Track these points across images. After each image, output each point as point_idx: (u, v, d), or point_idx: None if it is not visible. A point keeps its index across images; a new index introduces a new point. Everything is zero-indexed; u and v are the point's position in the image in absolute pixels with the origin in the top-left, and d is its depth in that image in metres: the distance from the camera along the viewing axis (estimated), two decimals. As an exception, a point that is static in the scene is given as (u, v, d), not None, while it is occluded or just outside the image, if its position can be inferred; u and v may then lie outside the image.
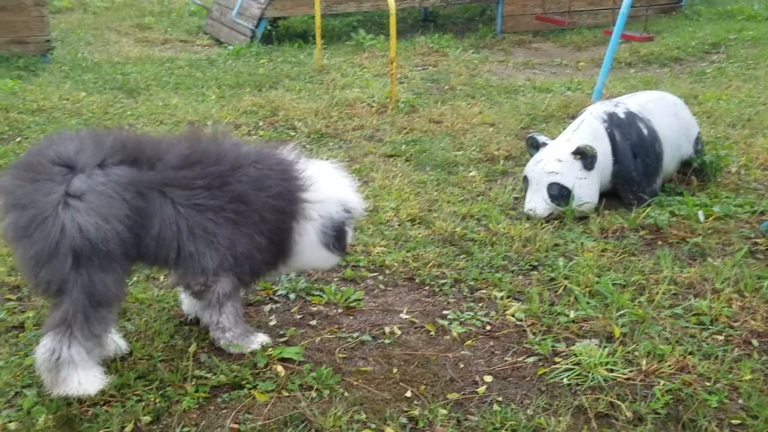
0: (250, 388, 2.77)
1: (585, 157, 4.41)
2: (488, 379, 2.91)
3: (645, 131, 4.61)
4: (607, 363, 2.95)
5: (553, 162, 4.43)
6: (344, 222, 3.14)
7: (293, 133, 6.41)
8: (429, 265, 3.80)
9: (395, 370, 2.92)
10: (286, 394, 2.75)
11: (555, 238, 4.14)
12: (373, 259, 3.88)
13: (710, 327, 3.24)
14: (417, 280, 3.68)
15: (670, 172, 4.88)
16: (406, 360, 3.00)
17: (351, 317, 3.34)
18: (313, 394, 2.75)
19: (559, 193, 4.38)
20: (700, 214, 4.34)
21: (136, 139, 2.90)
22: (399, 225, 4.38)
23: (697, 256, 3.95)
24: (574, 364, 2.95)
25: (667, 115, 4.82)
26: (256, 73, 8.76)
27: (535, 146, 4.62)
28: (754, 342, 3.13)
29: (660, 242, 4.17)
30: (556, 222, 4.39)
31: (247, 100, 7.37)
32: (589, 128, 4.58)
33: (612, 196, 4.69)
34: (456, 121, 6.73)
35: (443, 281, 3.67)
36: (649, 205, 4.55)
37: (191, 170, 2.84)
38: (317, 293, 3.51)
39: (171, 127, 6.47)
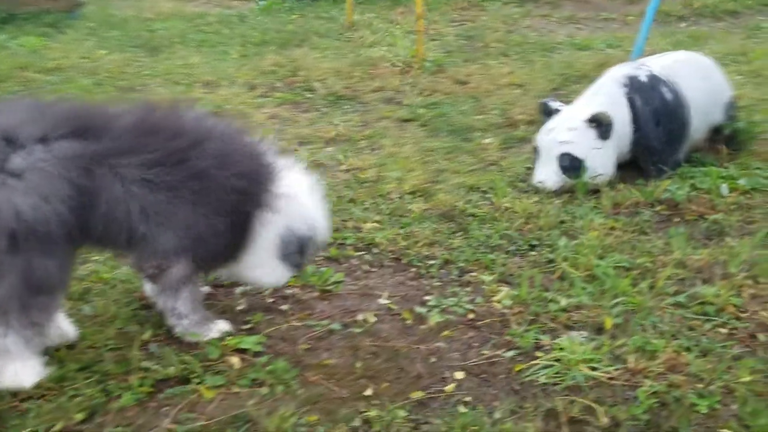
0: (198, 383, 2.55)
1: (600, 125, 4.10)
2: (459, 375, 2.66)
3: (669, 96, 4.26)
4: (591, 359, 2.68)
5: (565, 131, 4.13)
6: (306, 239, 2.88)
7: (309, 95, 6.17)
8: (420, 244, 3.56)
9: (359, 364, 2.69)
10: (236, 389, 2.55)
11: (562, 214, 3.85)
12: (363, 236, 3.64)
13: (714, 318, 2.94)
14: (404, 261, 3.44)
15: (698, 140, 4.54)
16: (374, 352, 2.78)
17: (326, 302, 3.12)
18: (265, 390, 2.54)
19: (571, 165, 4.08)
20: (724, 188, 4.01)
21: (83, 109, 2.69)
22: (399, 198, 4.11)
23: (715, 236, 3.64)
24: (554, 360, 2.68)
25: (696, 78, 4.46)
26: (284, 30, 8.51)
27: (547, 113, 4.32)
28: (761, 337, 2.83)
29: (677, 219, 3.84)
30: (566, 196, 4.07)
31: (268, 59, 7.14)
32: (606, 93, 4.25)
33: (632, 166, 4.35)
34: (482, 82, 6.42)
35: (432, 262, 3.42)
36: (670, 178, 4.20)
37: (143, 143, 2.61)
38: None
39: (186, 87, 6.27)
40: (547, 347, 2.81)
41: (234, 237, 2.75)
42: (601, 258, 3.42)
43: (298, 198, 2.88)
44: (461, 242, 3.59)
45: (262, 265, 2.89)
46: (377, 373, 2.65)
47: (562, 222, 3.78)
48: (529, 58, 7.45)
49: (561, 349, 2.75)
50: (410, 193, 4.20)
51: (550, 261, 3.43)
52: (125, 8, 10.19)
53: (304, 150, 4.88)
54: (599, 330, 2.90)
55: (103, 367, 2.60)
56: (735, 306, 3.03)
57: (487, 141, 4.99)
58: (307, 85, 6.48)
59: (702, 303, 3.06)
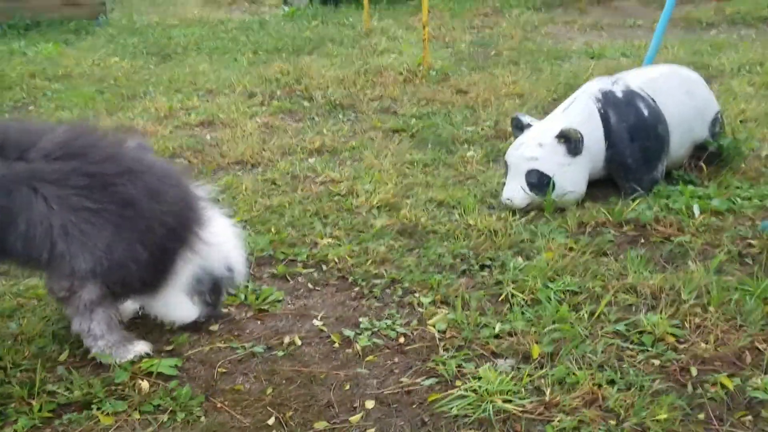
0: (98, 409, 2.52)
1: (569, 141, 3.97)
2: (370, 404, 2.60)
3: (645, 112, 4.14)
4: (508, 391, 2.59)
5: (533, 146, 4.03)
6: (223, 279, 2.95)
7: (307, 104, 6.15)
8: (370, 262, 3.50)
9: (270, 391, 2.65)
10: (137, 416, 2.51)
11: (524, 233, 3.74)
12: (317, 252, 3.59)
13: (649, 349, 2.84)
14: (350, 279, 3.39)
15: (681, 157, 4.40)
16: (289, 378, 2.73)
17: (259, 322, 3.08)
18: (165, 417, 2.49)
19: (539, 181, 3.98)
20: (695, 208, 3.87)
21: (8, 127, 2.69)
22: (366, 212, 4.06)
23: (677, 259, 3.50)
24: (470, 391, 2.60)
25: (678, 92, 4.32)
26: (300, 37, 8.50)
27: (519, 127, 4.22)
28: (693, 370, 2.72)
29: (642, 240, 3.72)
30: (533, 213, 3.98)
31: (275, 67, 7.15)
32: (579, 108, 4.15)
33: (610, 183, 4.23)
34: (483, 91, 6.33)
35: (378, 281, 3.36)
36: (645, 196, 4.08)
37: (70, 165, 2.61)
38: (236, 292, 3.23)
39: (184, 96, 6.28)
40: (469, 376, 2.72)
41: (153, 269, 2.75)
42: (551, 281, 3.32)
43: (220, 242, 2.93)
44: (413, 260, 3.52)
45: (173, 300, 2.92)
46: (286, 400, 2.60)
47: (521, 241, 3.68)
48: (539, 66, 7.32)
49: (480, 378, 2.66)
50: (378, 208, 4.13)
51: (498, 282, 3.34)
52: (151, 14, 10.29)
53: (284, 161, 4.83)
54: (527, 359, 2.80)
55: (8, 389, 2.58)
56: (674, 336, 2.92)
57: (470, 154, 4.91)
58: (307, 93, 6.46)
59: (641, 332, 2.95)
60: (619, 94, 4.15)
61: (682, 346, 2.86)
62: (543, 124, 4.14)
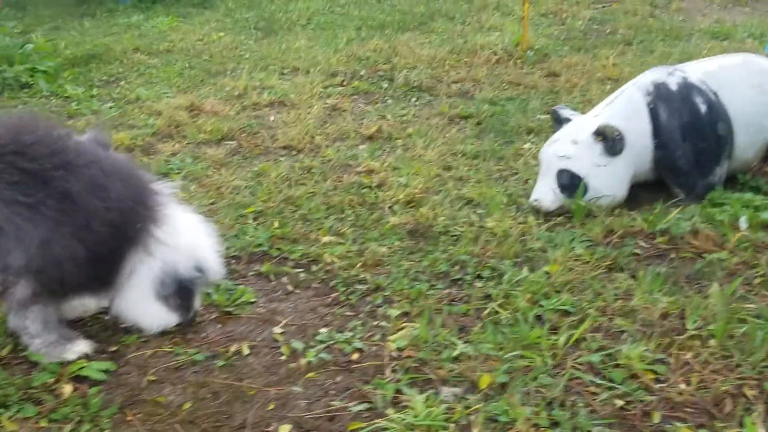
0: (11, 412, 2.47)
1: (606, 139, 3.61)
2: (285, 429, 2.43)
3: (703, 108, 3.71)
4: (432, 426, 2.35)
5: (567, 144, 3.68)
6: (192, 281, 2.80)
7: (386, 85, 5.93)
8: (361, 265, 3.29)
9: (188, 405, 2.53)
10: (43, 424, 2.44)
11: (539, 240, 3.43)
12: (314, 250, 3.42)
13: (618, 386, 2.50)
14: (332, 284, 3.20)
15: (749, 160, 3.92)
16: (216, 392, 2.59)
17: (219, 326, 2.96)
18: (68, 428, 2.42)
19: (571, 183, 3.65)
20: (742, 221, 3.42)
21: None
22: (389, 208, 3.85)
23: (704, 280, 3.11)
24: (392, 423, 2.38)
25: (748, 86, 3.85)
26: (411, 12, 8.28)
27: (558, 121, 3.87)
28: (656, 416, 2.38)
29: (673, 255, 3.33)
30: (560, 218, 3.65)
31: (370, 45, 6.98)
32: (625, 102, 3.76)
33: (664, 186, 3.84)
34: (576, 75, 5.93)
35: (360, 288, 3.16)
36: (696, 203, 3.66)
37: (5, 158, 2.58)
38: (211, 290, 3.13)
39: (266, 74, 6.22)
40: (404, 404, 2.49)
41: (95, 268, 2.66)
42: (546, 297, 3.02)
43: (184, 241, 2.80)
44: (409, 266, 3.29)
45: (142, 306, 2.82)
46: (200, 418, 2.47)
47: (532, 249, 3.37)
48: (651, 47, 6.79)
49: (410, 409, 2.43)
50: (405, 203, 3.90)
51: (486, 296, 3.07)
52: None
53: (333, 148, 4.67)
54: (477, 389, 2.54)
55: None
56: (654, 373, 2.57)
57: (526, 146, 4.58)
58: (390, 74, 6.24)
59: (617, 365, 2.61)
60: (674, 87, 3.73)
61: (657, 386, 2.52)
62: (582, 118, 3.77)
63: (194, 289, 2.86)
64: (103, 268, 2.70)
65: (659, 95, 3.70)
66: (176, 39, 7.58)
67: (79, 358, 2.74)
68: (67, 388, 2.59)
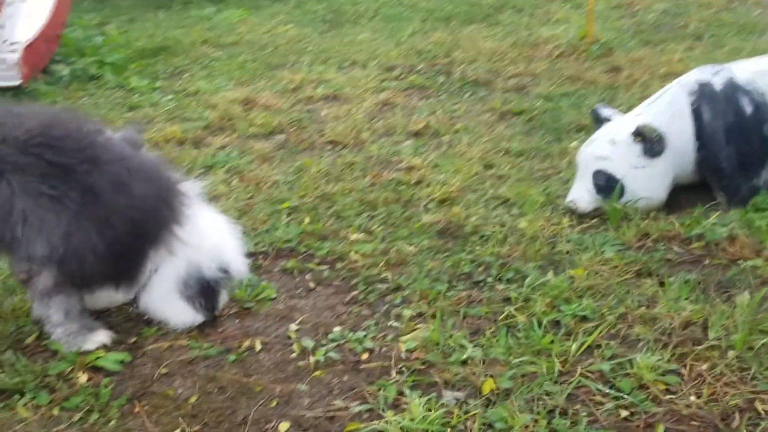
0: (25, 399, 2.57)
1: (645, 140, 3.52)
2: (284, 427, 2.47)
3: (749, 109, 3.59)
4: (426, 430, 2.34)
5: (605, 144, 3.61)
6: (216, 281, 2.87)
7: (442, 80, 5.91)
8: (385, 264, 3.30)
9: (194, 399, 2.58)
10: (56, 412, 2.52)
11: (569, 242, 3.38)
12: (341, 248, 3.44)
13: (625, 396, 2.45)
14: (353, 282, 3.21)
15: (801, 162, 3.76)
16: (223, 387, 2.64)
17: (237, 320, 3.01)
18: (77, 416, 2.49)
19: (607, 184, 3.58)
20: (780, 227, 3.29)
21: None
22: (424, 206, 3.85)
23: (735, 288, 3.01)
24: (391, 425, 2.38)
25: (799, 87, 3.68)
26: (479, 4, 8.21)
27: (598, 121, 3.79)
28: (659, 429, 2.33)
29: (707, 261, 3.24)
30: (595, 220, 3.58)
31: (432, 38, 6.96)
32: (667, 102, 3.67)
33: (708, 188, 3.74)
34: (639, 70, 5.80)
35: (381, 287, 3.17)
36: (740, 207, 3.55)
37: (37, 152, 2.67)
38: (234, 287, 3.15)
39: (325, 68, 6.26)
40: (403, 407, 2.49)
41: (115, 263, 2.74)
42: (568, 302, 2.97)
43: (208, 241, 2.86)
44: (434, 266, 3.27)
45: (166, 304, 2.89)
46: (204, 412, 2.52)
47: (561, 252, 3.31)
48: (722, 42, 6.57)
49: (408, 412, 2.43)
50: (440, 201, 3.89)
51: (506, 299, 3.03)
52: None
53: (378, 143, 4.68)
54: (479, 394, 2.52)
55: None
56: (665, 384, 2.51)
57: (572, 145, 4.50)
58: (448, 68, 6.21)
59: (626, 375, 2.55)
60: (719, 87, 3.61)
61: (666, 397, 2.45)
62: (623, 118, 3.68)
63: (218, 290, 2.89)
64: (123, 263, 2.76)
65: (703, 95, 3.58)
66: (244, 31, 7.68)
67: (98, 348, 2.79)
68: (82, 378, 2.66)
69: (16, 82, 5.73)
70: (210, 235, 2.87)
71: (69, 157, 2.68)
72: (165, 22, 8.27)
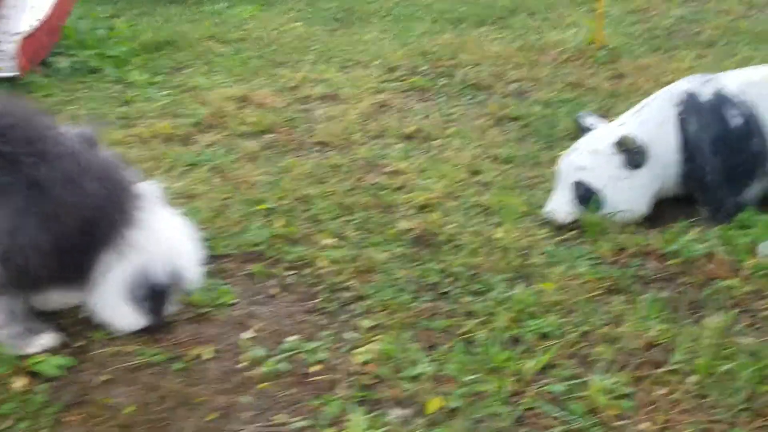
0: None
1: (626, 150, 3.42)
2: (219, 442, 2.37)
3: (737, 121, 3.47)
4: (360, 452, 2.26)
5: (585, 154, 3.51)
6: (163, 287, 2.78)
7: (443, 82, 5.82)
8: (353, 271, 3.21)
9: (130, 410, 2.51)
10: (-13, 419, 2.46)
11: (541, 255, 3.28)
12: (309, 253, 3.37)
13: (577, 420, 2.36)
14: (316, 289, 3.13)
15: (792, 178, 3.63)
16: (164, 397, 2.57)
17: (193, 325, 2.94)
18: (5, 424, 2.44)
19: (586, 195, 3.47)
20: (763, 246, 3.18)
21: None
22: (404, 212, 3.76)
23: (707, 309, 2.90)
24: (325, 444, 2.30)
25: (792, 99, 3.55)
26: (494, 5, 8.08)
27: (582, 129, 3.69)
28: (603, 460, 2.21)
29: (683, 279, 3.13)
30: (573, 232, 3.48)
31: (439, 39, 6.86)
32: (653, 112, 3.56)
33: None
34: (643, 78, 5.67)
35: (344, 295, 3.09)
36: (723, 222, 3.44)
37: None
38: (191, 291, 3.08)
39: (326, 66, 6.19)
40: (345, 423, 2.41)
41: (61, 263, 2.66)
42: (533, 317, 2.88)
43: (159, 243, 2.79)
44: (401, 274, 3.19)
45: (111, 307, 2.81)
46: (139, 423, 2.45)
47: (532, 265, 3.21)
48: (735, 50, 6.42)
49: (348, 429, 2.35)
50: (420, 207, 3.80)
51: (469, 313, 2.94)
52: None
53: (368, 146, 4.60)
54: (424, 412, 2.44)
55: None
56: (618, 409, 2.40)
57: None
58: (451, 70, 6.11)
59: (579, 398, 2.46)
60: (706, 98, 3.50)
61: (617, 423, 2.34)
62: (606, 127, 3.57)
63: (166, 295, 2.81)
64: (70, 263, 2.69)
65: (690, 106, 3.47)
66: (252, 28, 7.62)
67: (43, 352, 2.72)
68: (19, 383, 2.60)
69: (13, 74, 5.68)
70: (162, 239, 2.79)
71: (16, 147, 2.60)
72: (176, 16, 8.23)
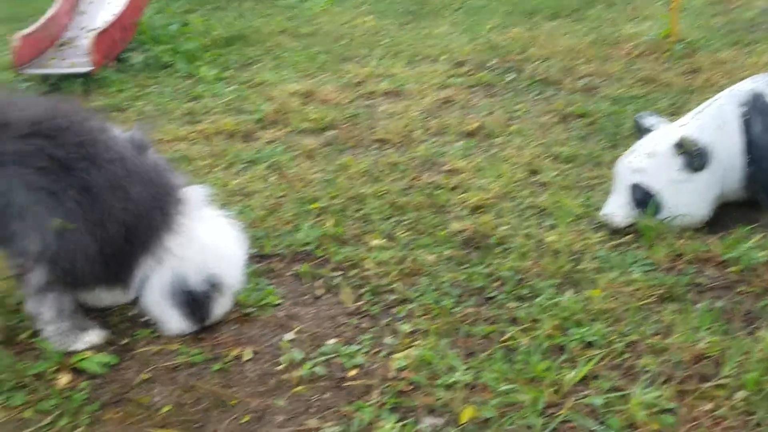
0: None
1: (686, 153, 3.31)
2: (249, 446, 2.38)
3: (806, 123, 3.30)
4: (387, 462, 2.24)
5: (643, 156, 3.40)
6: (204, 294, 2.79)
7: (510, 78, 5.74)
8: (398, 273, 3.19)
9: (167, 409, 2.53)
10: (28, 415, 2.52)
11: (593, 260, 3.20)
12: (357, 254, 3.36)
13: (610, 437, 2.28)
14: (361, 291, 3.12)
15: None
16: (200, 398, 2.59)
17: (234, 326, 2.96)
18: (46, 420, 2.49)
19: (644, 198, 3.37)
20: (828, 256, 3.02)
21: None
22: (457, 212, 3.72)
23: (763, 321, 2.79)
24: (352, 452, 2.28)
25: None
26: (572, -3, 7.90)
27: (640, 131, 3.58)
28: (643, 477, 2.14)
29: (742, 288, 3.01)
30: (629, 236, 3.39)
31: (509, 33, 6.77)
32: (714, 112, 3.43)
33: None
34: (719, 73, 5.48)
35: (388, 298, 3.06)
36: (789, 228, 3.29)
37: (34, 142, 2.67)
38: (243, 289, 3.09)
39: (393, 61, 6.17)
40: (375, 430, 2.39)
41: (106, 266, 2.71)
42: (578, 325, 2.81)
43: (200, 248, 2.80)
44: (448, 277, 3.15)
45: (159, 310, 2.85)
46: (173, 424, 2.48)
47: (582, 270, 3.14)
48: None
49: (377, 438, 2.32)
50: (474, 208, 3.75)
51: (513, 320, 2.88)
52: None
53: (428, 143, 4.57)
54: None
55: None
56: (658, 424, 2.32)
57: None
58: (520, 65, 6.02)
59: (618, 412, 2.38)
60: (773, 99, 3.33)
61: (658, 440, 2.25)
62: (666, 128, 3.45)
63: (205, 301, 2.82)
64: (113, 267, 2.73)
65: (756, 106, 3.33)
66: (323, 22, 7.64)
67: (88, 349, 2.76)
68: (63, 379, 2.64)
69: (87, 69, 5.81)
70: (202, 245, 2.80)
71: (69, 151, 2.64)
72: (249, 11, 8.31)
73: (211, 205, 2.94)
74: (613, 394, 2.45)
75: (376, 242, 3.45)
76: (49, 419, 2.47)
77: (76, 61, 5.93)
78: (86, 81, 5.84)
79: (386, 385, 2.57)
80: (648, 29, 6.61)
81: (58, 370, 2.69)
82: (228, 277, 2.81)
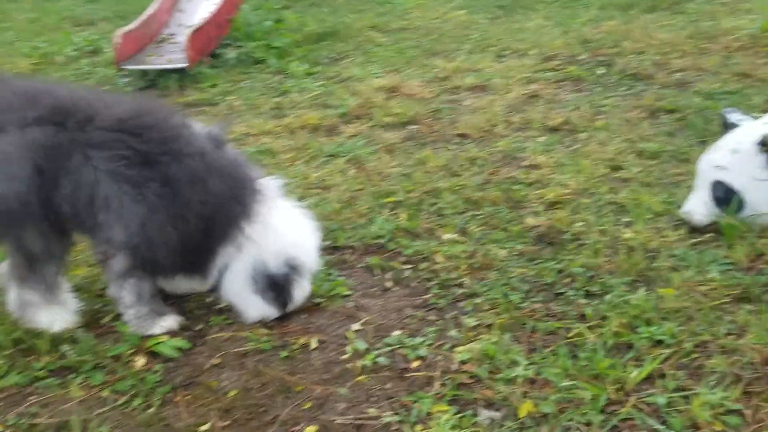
0: (80, 378, 2.70)
1: (769, 150, 3.22)
2: (310, 430, 2.44)
3: None
4: (442, 455, 2.26)
5: (726, 153, 3.32)
6: (285, 277, 2.88)
7: (601, 72, 5.66)
8: (466, 268, 3.20)
9: (234, 393, 2.61)
10: (106, 394, 2.64)
11: (670, 258, 3.15)
12: (427, 247, 3.38)
13: (673, 437, 2.25)
14: (429, 285, 3.14)
15: None
16: (266, 383, 2.65)
17: (304, 315, 3.02)
18: (122, 399, 2.60)
19: (726, 196, 3.29)
20: None
21: (74, 98, 2.91)
22: (534, 206, 3.71)
23: None
24: (404, 444, 2.31)
25: None
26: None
27: (725, 127, 3.50)
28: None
29: (826, 290, 2.91)
30: (708, 235, 3.32)
31: (604, 26, 6.69)
32: (803, 109, 3.29)
33: None
34: (821, 66, 5.26)
35: (456, 292, 3.08)
36: None
37: (121, 137, 2.79)
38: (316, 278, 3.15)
39: (481, 56, 6.16)
40: (432, 421, 2.42)
41: (185, 256, 2.81)
42: (648, 324, 2.77)
43: (278, 235, 2.88)
44: (518, 273, 3.15)
45: (240, 297, 2.93)
46: (238, 408, 2.54)
47: (657, 268, 3.08)
48: None
49: (435, 428, 2.35)
50: (550, 204, 3.73)
51: (582, 317, 2.86)
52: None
53: (509, 138, 4.56)
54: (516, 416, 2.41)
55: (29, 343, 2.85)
56: (722, 424, 2.28)
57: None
58: (611, 59, 5.92)
59: (681, 411, 2.34)
60: None
61: (725, 439, 2.20)
62: (751, 125, 3.36)
63: (287, 285, 2.88)
64: (192, 257, 2.82)
65: None
66: (415, 17, 7.66)
67: (164, 334, 2.86)
68: (140, 362, 2.75)
69: (183, 65, 5.98)
70: (281, 232, 2.88)
71: (153, 146, 2.74)
72: (343, 6, 8.39)
73: (285, 196, 2.98)
74: (677, 394, 2.40)
75: (447, 236, 3.45)
76: (124, 399, 2.57)
77: (173, 57, 6.10)
78: (181, 76, 6.01)
79: (447, 377, 2.57)
80: (749, 23, 6.40)
81: (135, 353, 2.78)
82: (306, 259, 2.86)
